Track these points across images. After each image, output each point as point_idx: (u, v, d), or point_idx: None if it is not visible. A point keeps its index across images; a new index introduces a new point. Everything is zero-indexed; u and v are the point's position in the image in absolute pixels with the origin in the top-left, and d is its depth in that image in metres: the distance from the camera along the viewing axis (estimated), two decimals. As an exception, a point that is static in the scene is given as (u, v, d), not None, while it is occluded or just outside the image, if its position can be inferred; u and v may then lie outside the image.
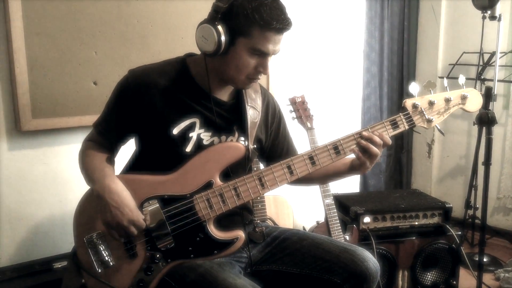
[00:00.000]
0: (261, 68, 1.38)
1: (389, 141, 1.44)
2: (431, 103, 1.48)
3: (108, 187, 1.34)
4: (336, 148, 1.43)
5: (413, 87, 1.48)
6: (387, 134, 1.45)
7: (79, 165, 1.49)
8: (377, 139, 1.42)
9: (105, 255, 1.38)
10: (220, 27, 1.31)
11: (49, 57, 1.99)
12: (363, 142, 1.42)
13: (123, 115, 1.43)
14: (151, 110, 1.40)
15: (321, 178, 1.65)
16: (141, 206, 1.37)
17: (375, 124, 1.45)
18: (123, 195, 1.35)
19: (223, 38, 1.31)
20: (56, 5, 1.98)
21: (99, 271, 1.37)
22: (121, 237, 1.36)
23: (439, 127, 1.52)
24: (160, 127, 1.41)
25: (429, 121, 1.48)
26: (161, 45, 2.27)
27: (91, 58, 2.10)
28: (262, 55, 1.35)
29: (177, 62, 1.47)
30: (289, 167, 1.41)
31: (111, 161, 1.48)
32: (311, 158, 1.42)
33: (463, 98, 1.51)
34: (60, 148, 2.10)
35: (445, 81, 1.53)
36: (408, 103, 1.48)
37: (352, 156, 1.47)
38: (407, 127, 1.47)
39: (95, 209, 1.39)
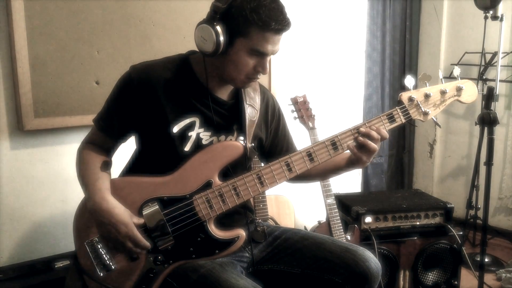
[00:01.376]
0: (260, 68, 1.38)
1: (386, 135, 1.44)
2: (427, 96, 1.48)
3: (98, 206, 1.33)
4: (334, 144, 1.43)
5: (409, 80, 1.48)
6: (384, 128, 1.45)
7: (76, 170, 1.47)
8: (374, 134, 1.42)
9: (106, 258, 1.37)
10: (218, 28, 1.30)
11: (51, 57, 1.99)
12: (361, 138, 1.42)
13: (125, 111, 1.42)
14: (153, 106, 1.40)
15: (320, 174, 1.65)
16: (141, 208, 1.37)
17: (372, 119, 1.46)
18: (115, 212, 1.33)
19: (221, 38, 1.31)
20: (58, 4, 1.98)
21: (101, 274, 1.37)
22: (120, 251, 1.36)
23: (435, 119, 1.52)
24: (161, 124, 1.40)
25: (425, 113, 1.48)
26: (163, 44, 2.27)
27: (93, 57, 2.10)
28: (261, 55, 1.35)
29: (180, 59, 1.47)
30: (287, 164, 1.41)
31: (107, 165, 1.46)
32: (309, 154, 1.42)
33: (459, 89, 1.51)
34: (62, 147, 2.11)
35: (440, 73, 1.53)
36: (404, 96, 1.48)
37: None
38: (403, 121, 1.47)
39: None
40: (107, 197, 1.35)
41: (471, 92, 1.53)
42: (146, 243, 1.35)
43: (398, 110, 1.47)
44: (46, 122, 2.01)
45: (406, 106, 1.47)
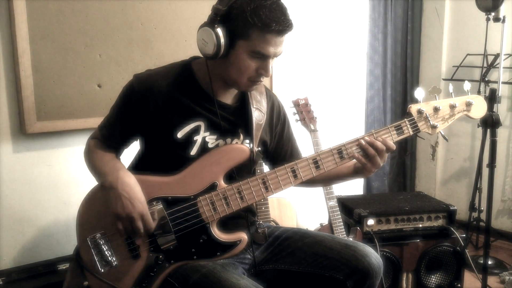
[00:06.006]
0: (263, 70, 1.37)
1: (393, 147, 1.44)
2: (436, 109, 1.48)
3: (121, 178, 1.35)
4: (341, 153, 1.43)
5: (419, 93, 1.48)
6: (391, 139, 1.45)
7: (86, 161, 1.50)
8: (379, 144, 1.42)
9: (108, 255, 1.38)
10: (219, 30, 1.30)
11: (54, 60, 2.00)
12: (362, 142, 1.42)
13: (128, 120, 1.44)
14: (155, 114, 1.41)
15: (324, 180, 1.65)
16: None
17: (379, 129, 1.45)
18: (136, 189, 1.35)
19: (222, 41, 1.31)
20: (60, 8, 1.99)
21: (102, 271, 1.38)
22: (127, 230, 1.36)
23: (443, 133, 1.52)
24: (164, 131, 1.41)
25: (434, 127, 1.48)
26: (165, 47, 2.27)
27: (96, 60, 2.11)
28: (263, 57, 1.35)
29: (181, 66, 1.48)
30: (293, 171, 1.42)
31: (118, 159, 1.49)
32: (315, 162, 1.43)
33: (468, 104, 1.51)
34: (64, 150, 2.11)
35: (451, 87, 1.52)
36: (413, 108, 1.48)
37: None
38: (411, 133, 1.47)
39: (98, 209, 1.40)
40: (130, 174, 1.38)
41: (481, 108, 1.53)
42: (153, 227, 1.36)
43: (407, 122, 1.47)
44: (49, 125, 2.02)
45: (415, 118, 1.47)
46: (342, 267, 1.44)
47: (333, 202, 2.31)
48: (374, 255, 1.46)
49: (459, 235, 2.43)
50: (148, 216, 1.35)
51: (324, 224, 2.41)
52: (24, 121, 1.95)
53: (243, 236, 1.42)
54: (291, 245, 1.54)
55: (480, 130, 3.04)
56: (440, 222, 2.48)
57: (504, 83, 3.06)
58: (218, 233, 1.41)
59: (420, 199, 2.67)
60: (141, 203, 1.34)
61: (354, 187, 3.30)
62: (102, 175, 1.41)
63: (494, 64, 3.13)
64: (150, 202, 1.38)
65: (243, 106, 1.51)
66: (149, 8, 2.21)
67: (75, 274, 1.42)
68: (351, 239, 2.32)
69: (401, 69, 3.66)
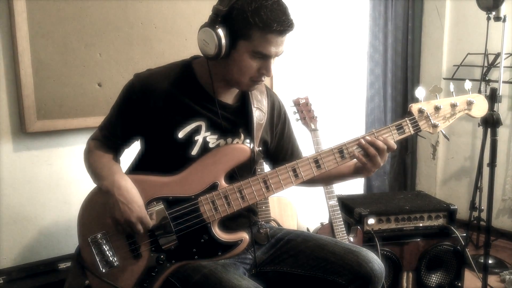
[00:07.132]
0: (264, 70, 1.37)
1: (394, 146, 1.44)
2: (437, 108, 1.48)
3: (117, 183, 1.36)
4: (342, 152, 1.43)
5: (419, 92, 1.48)
6: (392, 138, 1.45)
7: (85, 163, 1.50)
8: (380, 144, 1.41)
9: (109, 255, 1.38)
10: (220, 31, 1.30)
11: (54, 59, 2.00)
12: (362, 141, 1.42)
13: (128, 120, 1.44)
14: (156, 114, 1.40)
15: (325, 180, 1.65)
16: (146, 207, 1.38)
17: (380, 129, 1.45)
18: (132, 192, 1.36)
19: (223, 41, 1.30)
20: (61, 7, 1.98)
21: (103, 271, 1.38)
22: (127, 234, 1.37)
23: (444, 132, 1.52)
24: (165, 131, 1.41)
25: (435, 126, 1.48)
26: (165, 47, 2.27)
27: (96, 60, 2.10)
28: (265, 57, 1.34)
29: (182, 65, 1.47)
30: (294, 170, 1.41)
31: (117, 160, 1.50)
32: (316, 161, 1.42)
33: (469, 103, 1.51)
34: (64, 149, 2.11)
35: (452, 86, 1.52)
36: (414, 107, 1.47)
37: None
38: (412, 132, 1.47)
39: (99, 209, 1.40)
40: (126, 177, 1.39)
41: (482, 107, 1.53)
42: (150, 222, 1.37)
43: (408, 121, 1.47)
44: (49, 124, 2.02)
45: (416, 117, 1.47)
46: (345, 272, 1.44)
47: (334, 201, 2.30)
48: (376, 261, 1.46)
49: (459, 234, 2.43)
50: (146, 218, 1.35)
51: (324, 223, 2.41)
52: (24, 120, 1.95)
53: (244, 236, 1.42)
54: (293, 248, 1.54)
55: (480, 129, 3.04)
56: (440, 221, 2.48)
57: (504, 82, 3.06)
58: (219, 233, 1.41)
59: (421, 198, 2.67)
60: (138, 207, 1.35)
61: (355, 186, 3.30)
62: (99, 179, 1.41)
63: (495, 63, 3.13)
64: (150, 202, 1.39)
65: (243, 105, 1.51)
66: (149, 7, 2.21)
67: (76, 274, 1.42)
68: (351, 238, 2.32)
69: (401, 68, 3.66)
